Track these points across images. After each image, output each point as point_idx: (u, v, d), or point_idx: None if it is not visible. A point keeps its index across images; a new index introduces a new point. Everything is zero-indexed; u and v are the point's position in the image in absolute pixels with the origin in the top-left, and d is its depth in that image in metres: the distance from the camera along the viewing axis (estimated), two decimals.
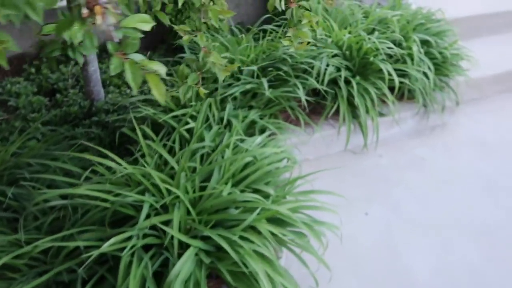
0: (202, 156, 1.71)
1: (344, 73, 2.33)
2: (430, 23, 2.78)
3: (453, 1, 3.43)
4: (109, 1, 0.65)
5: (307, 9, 2.81)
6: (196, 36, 1.52)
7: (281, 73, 2.22)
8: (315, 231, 1.53)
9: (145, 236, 1.36)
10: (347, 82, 2.36)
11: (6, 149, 1.79)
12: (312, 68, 2.28)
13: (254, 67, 2.20)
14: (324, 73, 2.26)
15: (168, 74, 2.15)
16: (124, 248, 1.28)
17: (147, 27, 0.81)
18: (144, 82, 0.92)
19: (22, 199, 1.57)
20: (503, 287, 1.77)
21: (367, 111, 2.36)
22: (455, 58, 2.70)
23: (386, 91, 2.40)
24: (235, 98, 2.11)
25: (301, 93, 2.16)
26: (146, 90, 2.29)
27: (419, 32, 2.67)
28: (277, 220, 1.50)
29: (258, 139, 1.76)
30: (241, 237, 1.35)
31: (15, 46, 0.91)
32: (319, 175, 1.74)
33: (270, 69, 2.27)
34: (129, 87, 2.45)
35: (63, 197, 1.49)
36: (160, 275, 1.36)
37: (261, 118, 2.09)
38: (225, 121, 1.92)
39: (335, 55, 2.41)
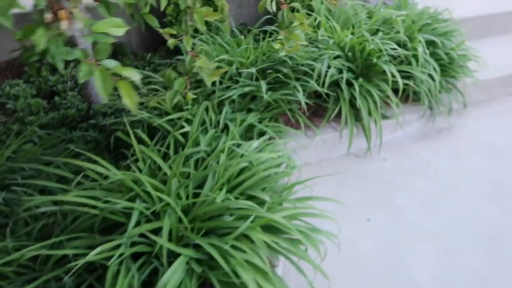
0: (197, 161, 1.67)
1: (346, 75, 2.27)
2: (437, 23, 2.70)
3: (460, 0, 3.35)
4: (75, 5, 0.61)
5: (309, 11, 2.77)
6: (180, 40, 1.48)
7: (280, 75, 2.17)
8: (312, 239, 1.48)
9: (135, 244, 1.33)
10: (350, 84, 2.31)
11: (1, 153, 1.77)
12: (313, 70, 2.23)
13: (253, 69, 2.16)
14: (325, 75, 2.21)
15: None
16: (112, 256, 1.25)
17: (120, 32, 0.77)
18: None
19: (14, 204, 1.55)
20: None
21: (370, 114, 2.30)
22: (463, 59, 2.63)
23: (390, 93, 2.34)
24: (233, 101, 2.07)
25: (301, 96, 2.10)
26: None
27: (425, 32, 2.60)
28: (271, 228, 1.45)
29: (255, 143, 1.71)
30: (233, 246, 1.31)
31: None
32: (320, 180, 1.69)
33: (269, 71, 2.22)
34: None
35: (56, 202, 1.46)
36: (150, 284, 1.32)
37: (260, 122, 2.05)
38: (221, 124, 1.88)
39: (337, 57, 2.36)
